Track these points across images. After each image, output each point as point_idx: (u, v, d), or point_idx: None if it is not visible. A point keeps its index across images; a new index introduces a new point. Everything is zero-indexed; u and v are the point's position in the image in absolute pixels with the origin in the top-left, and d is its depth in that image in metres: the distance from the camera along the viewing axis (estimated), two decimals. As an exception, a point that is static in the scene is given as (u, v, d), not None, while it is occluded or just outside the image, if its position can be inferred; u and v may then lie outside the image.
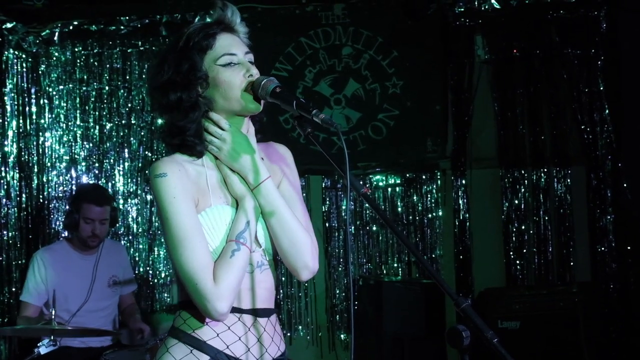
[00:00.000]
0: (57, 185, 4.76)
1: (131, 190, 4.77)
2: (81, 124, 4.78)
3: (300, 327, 4.76)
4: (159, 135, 4.72)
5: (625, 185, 4.54)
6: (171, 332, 1.81)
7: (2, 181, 4.65)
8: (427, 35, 4.71)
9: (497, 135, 4.77)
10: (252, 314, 1.79)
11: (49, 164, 4.76)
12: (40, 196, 4.73)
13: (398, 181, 4.84)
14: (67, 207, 4.17)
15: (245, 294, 1.78)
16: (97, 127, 4.78)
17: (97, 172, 4.76)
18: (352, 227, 4.80)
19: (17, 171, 4.70)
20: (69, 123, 4.79)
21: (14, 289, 4.58)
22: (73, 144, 4.78)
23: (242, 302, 1.77)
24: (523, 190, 4.74)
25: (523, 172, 4.74)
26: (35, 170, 4.73)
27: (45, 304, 3.83)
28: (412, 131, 4.72)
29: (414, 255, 1.64)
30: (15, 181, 4.69)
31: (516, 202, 4.73)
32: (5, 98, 4.68)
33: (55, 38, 4.70)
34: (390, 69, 4.74)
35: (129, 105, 4.78)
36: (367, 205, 4.59)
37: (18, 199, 4.69)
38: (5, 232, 4.64)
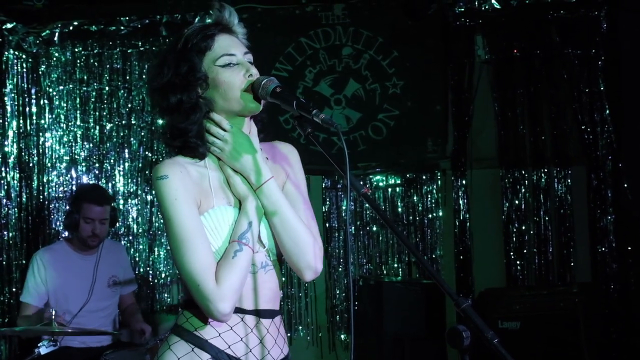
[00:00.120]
0: (57, 186, 4.76)
1: (131, 190, 4.77)
2: (81, 124, 4.78)
3: (300, 327, 4.76)
4: (159, 136, 4.72)
5: (625, 185, 4.54)
6: (174, 329, 1.81)
7: (2, 181, 4.65)
8: (427, 35, 4.71)
9: (498, 135, 4.77)
10: (255, 315, 1.79)
11: (49, 165, 4.76)
12: (41, 196, 4.73)
13: (398, 181, 4.84)
14: (67, 207, 4.18)
15: (249, 294, 1.78)
16: (97, 127, 4.78)
17: (97, 172, 4.76)
18: (353, 228, 4.80)
19: (18, 171, 4.70)
20: (69, 123, 4.79)
21: (14, 289, 4.58)
22: (73, 144, 4.78)
23: (245, 302, 1.77)
24: (523, 190, 4.74)
25: (523, 172, 4.74)
26: (36, 170, 4.73)
27: (46, 304, 3.83)
28: (413, 131, 4.72)
29: (414, 255, 1.64)
30: (15, 181, 4.69)
31: (516, 202, 4.73)
32: (6, 98, 4.68)
33: (56, 38, 4.70)
34: (390, 69, 4.74)
35: (129, 105, 4.78)
36: (367, 205, 4.58)
37: (18, 199, 4.69)
38: (5, 233, 4.64)
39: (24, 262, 4.59)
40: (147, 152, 4.78)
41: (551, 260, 4.69)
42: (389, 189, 4.85)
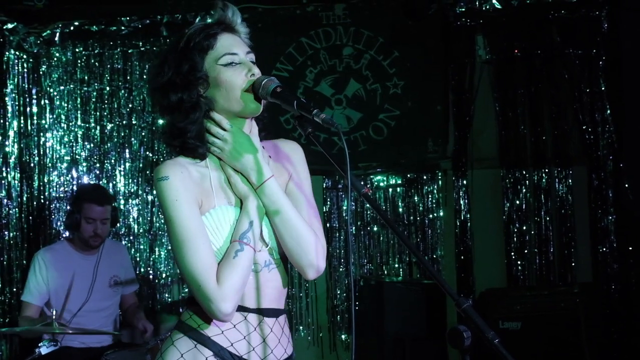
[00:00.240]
0: (58, 186, 4.77)
1: (132, 190, 4.77)
2: (82, 124, 4.78)
3: (301, 327, 4.76)
4: (160, 137, 4.72)
5: (626, 185, 4.54)
6: (177, 325, 1.82)
7: (3, 181, 4.66)
8: (428, 35, 4.71)
9: (498, 135, 4.77)
10: (258, 314, 1.79)
11: (50, 165, 4.76)
12: (41, 196, 4.73)
13: (399, 181, 4.83)
14: (68, 207, 4.18)
15: (252, 293, 1.78)
16: (98, 127, 4.78)
17: (98, 172, 4.77)
18: (353, 228, 4.80)
19: (18, 171, 4.70)
20: (70, 123, 4.79)
21: (15, 289, 4.58)
22: (74, 144, 4.78)
23: (248, 301, 1.78)
24: (524, 190, 4.74)
25: (524, 172, 4.74)
26: (37, 170, 4.74)
27: (47, 304, 3.83)
28: (413, 131, 4.72)
29: (415, 255, 1.64)
30: (16, 181, 4.69)
31: (517, 202, 4.73)
32: (7, 99, 4.68)
33: (56, 38, 4.70)
34: (391, 69, 4.74)
35: (130, 105, 4.78)
36: (368, 205, 4.58)
37: (19, 199, 4.69)
38: (6, 233, 4.64)
39: (24, 262, 4.59)
40: (147, 152, 4.78)
41: (552, 260, 4.68)
42: (390, 189, 4.85)
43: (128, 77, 4.78)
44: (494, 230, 4.74)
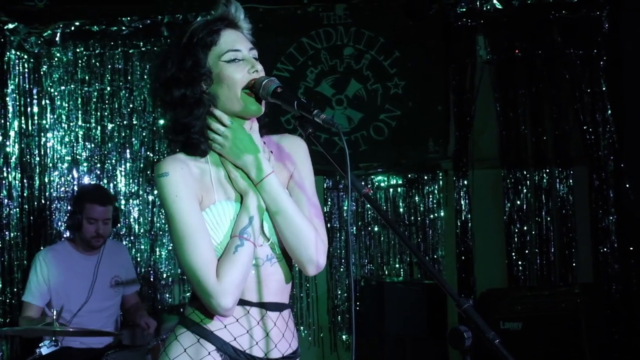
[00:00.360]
0: (58, 186, 4.77)
1: (133, 190, 4.77)
2: (83, 124, 4.79)
3: (302, 327, 4.76)
4: (161, 137, 4.73)
5: (627, 185, 4.53)
6: (181, 320, 1.84)
7: (4, 182, 4.66)
8: (428, 35, 4.71)
9: (499, 135, 4.77)
10: (261, 307, 1.79)
11: (50, 165, 4.76)
12: (42, 197, 4.73)
13: (400, 182, 4.83)
14: (70, 208, 4.17)
15: (254, 287, 1.79)
16: (99, 127, 4.79)
17: (98, 172, 4.77)
18: (354, 228, 4.80)
19: (19, 172, 4.70)
20: (71, 124, 4.79)
21: (15, 290, 4.58)
22: (75, 144, 4.78)
23: (251, 295, 1.78)
24: (525, 190, 4.74)
25: (525, 172, 4.74)
26: (37, 170, 4.74)
27: (47, 304, 3.83)
28: (414, 132, 4.72)
29: (415, 256, 1.64)
30: (17, 182, 4.69)
31: (518, 202, 4.73)
32: (7, 99, 4.68)
33: (57, 39, 4.70)
34: (391, 69, 4.74)
35: (131, 105, 4.78)
36: (368, 205, 4.58)
37: (20, 199, 4.69)
38: (7, 233, 4.64)
39: (25, 262, 4.59)
40: (148, 153, 4.78)
41: (553, 260, 4.68)
42: (391, 189, 4.85)
43: (129, 78, 4.78)
44: (495, 230, 4.74)
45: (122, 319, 4.15)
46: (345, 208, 4.77)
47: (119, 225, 4.35)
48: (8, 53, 4.70)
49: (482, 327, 1.47)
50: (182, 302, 4.57)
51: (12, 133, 4.69)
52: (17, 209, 4.68)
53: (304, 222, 1.80)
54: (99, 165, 4.78)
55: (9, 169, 4.68)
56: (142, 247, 4.76)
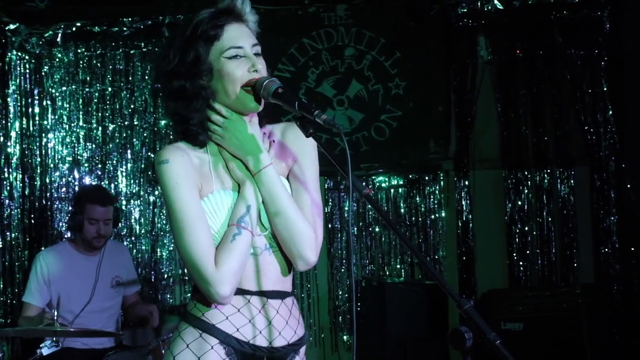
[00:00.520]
0: (60, 187, 4.77)
1: (134, 191, 4.77)
2: (84, 125, 4.79)
3: (302, 328, 4.75)
4: (162, 137, 4.74)
5: (628, 186, 4.53)
6: (183, 316, 1.84)
7: (5, 182, 4.66)
8: (429, 36, 4.71)
9: (500, 136, 4.77)
10: (261, 296, 1.79)
11: (52, 165, 4.76)
12: (43, 197, 4.73)
13: (401, 182, 4.83)
14: (71, 208, 4.17)
15: (253, 276, 1.79)
16: (100, 128, 4.79)
17: (99, 173, 4.77)
18: (355, 228, 4.80)
19: (20, 172, 4.70)
20: (72, 124, 4.79)
21: (16, 290, 4.58)
22: (76, 145, 4.78)
23: (250, 284, 1.79)
24: (526, 191, 4.74)
25: (526, 173, 4.74)
26: (38, 171, 4.74)
27: (48, 304, 3.83)
28: (415, 132, 4.72)
29: (416, 256, 1.64)
30: (18, 182, 4.69)
31: (519, 203, 4.72)
32: (9, 99, 4.68)
33: (58, 39, 4.70)
34: (393, 70, 4.74)
35: (132, 106, 4.78)
36: (369, 206, 4.58)
37: (21, 200, 4.69)
38: (8, 233, 4.65)
39: (26, 263, 4.59)
40: (149, 153, 4.78)
41: (554, 261, 4.68)
42: (392, 190, 4.85)
43: (130, 78, 4.78)
44: (496, 231, 4.74)
45: (122, 319, 4.15)
46: (346, 209, 4.77)
47: (119, 225, 4.35)
48: (9, 54, 4.70)
49: (483, 328, 1.47)
50: (183, 302, 4.57)
51: (13, 133, 4.70)
52: (18, 210, 4.68)
53: (298, 217, 1.79)
54: (100, 165, 4.78)
55: (10, 170, 4.68)
56: (143, 247, 4.76)
